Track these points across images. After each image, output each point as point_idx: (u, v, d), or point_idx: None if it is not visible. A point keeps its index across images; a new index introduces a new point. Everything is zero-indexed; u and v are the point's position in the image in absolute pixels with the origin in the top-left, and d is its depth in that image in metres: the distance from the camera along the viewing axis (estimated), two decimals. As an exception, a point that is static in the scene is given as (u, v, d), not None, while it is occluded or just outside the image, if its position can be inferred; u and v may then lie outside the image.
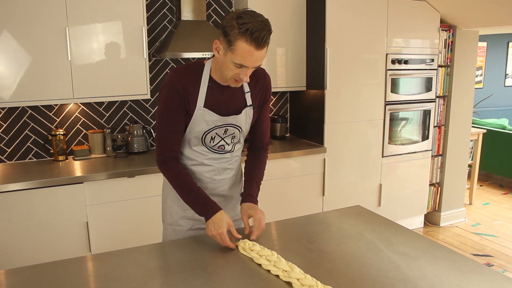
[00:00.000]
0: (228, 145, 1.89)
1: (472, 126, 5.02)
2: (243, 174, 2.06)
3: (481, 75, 7.52)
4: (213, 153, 1.87)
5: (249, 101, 1.86)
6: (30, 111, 3.24)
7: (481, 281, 1.47)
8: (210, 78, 1.78)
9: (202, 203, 1.76)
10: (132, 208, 3.03)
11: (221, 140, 1.85)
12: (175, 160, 1.82)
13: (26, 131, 3.26)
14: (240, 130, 1.88)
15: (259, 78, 1.88)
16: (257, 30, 1.55)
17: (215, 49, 1.67)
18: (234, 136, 1.88)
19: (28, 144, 3.28)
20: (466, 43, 4.28)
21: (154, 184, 3.05)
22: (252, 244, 1.69)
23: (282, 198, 3.56)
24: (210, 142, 1.84)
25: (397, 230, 1.91)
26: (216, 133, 1.82)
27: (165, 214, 2.02)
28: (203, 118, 1.78)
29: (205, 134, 1.81)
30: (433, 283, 1.45)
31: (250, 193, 1.89)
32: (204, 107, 1.77)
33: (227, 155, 1.91)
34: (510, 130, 5.88)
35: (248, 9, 1.61)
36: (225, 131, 1.84)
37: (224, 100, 1.81)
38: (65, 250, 2.86)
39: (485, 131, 5.35)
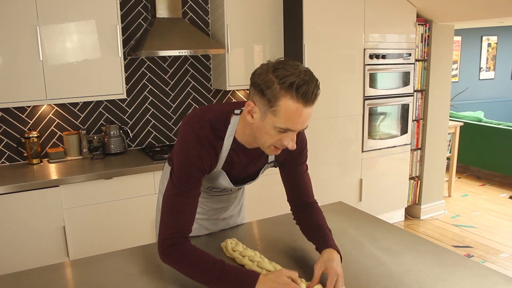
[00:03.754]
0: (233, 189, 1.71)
1: (450, 119, 5.08)
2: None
3: (457, 68, 7.63)
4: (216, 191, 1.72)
5: (271, 157, 1.61)
6: (1, 113, 3.14)
7: (466, 274, 1.47)
8: (234, 139, 1.48)
9: (236, 272, 1.33)
10: (111, 210, 2.96)
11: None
12: (187, 241, 1.41)
13: (-2, 135, 3.16)
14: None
15: None
16: (305, 83, 1.24)
17: (248, 113, 1.34)
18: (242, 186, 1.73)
19: (0, 147, 3.17)
20: (442, 37, 4.32)
21: (132, 185, 2.99)
22: (235, 243, 1.65)
23: (263, 196, 3.53)
24: (213, 190, 1.69)
25: (380, 226, 1.91)
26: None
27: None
28: (216, 179, 1.56)
29: (212, 188, 1.64)
30: (418, 278, 1.44)
31: (328, 241, 1.51)
32: (221, 169, 1.53)
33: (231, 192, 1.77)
34: (486, 122, 5.98)
35: (282, 59, 1.32)
36: None
37: (246, 164, 1.56)
38: (41, 257, 2.78)
39: (462, 124, 5.42)
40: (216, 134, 1.45)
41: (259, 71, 1.30)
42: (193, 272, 1.36)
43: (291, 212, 1.71)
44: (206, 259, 1.35)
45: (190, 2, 3.64)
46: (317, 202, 1.69)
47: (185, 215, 1.41)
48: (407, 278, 1.44)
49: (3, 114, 3.15)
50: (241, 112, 1.46)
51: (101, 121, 3.47)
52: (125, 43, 3.41)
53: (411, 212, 4.65)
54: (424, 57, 4.29)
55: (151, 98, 3.62)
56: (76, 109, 3.37)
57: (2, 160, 3.19)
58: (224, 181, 1.57)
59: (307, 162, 1.67)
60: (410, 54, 4.12)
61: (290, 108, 1.25)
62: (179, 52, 3.23)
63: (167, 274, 1.51)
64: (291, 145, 1.34)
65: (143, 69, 3.55)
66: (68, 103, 3.32)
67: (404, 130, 4.27)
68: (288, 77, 1.24)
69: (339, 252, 1.46)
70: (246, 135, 1.45)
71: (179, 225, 1.40)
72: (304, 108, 1.26)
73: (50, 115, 3.29)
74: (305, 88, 1.23)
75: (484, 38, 7.86)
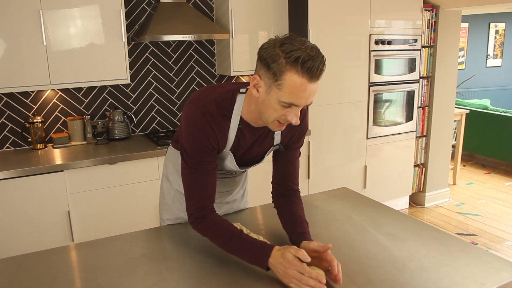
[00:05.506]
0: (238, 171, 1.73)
1: (456, 107, 5.04)
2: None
3: (463, 56, 7.55)
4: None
5: (277, 139, 1.59)
6: (5, 98, 3.14)
7: (469, 260, 1.46)
8: (241, 118, 1.48)
9: (250, 247, 1.39)
10: (114, 195, 2.97)
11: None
12: (212, 212, 1.50)
13: (2, 119, 3.15)
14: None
15: None
16: (310, 58, 1.24)
17: (254, 87, 1.34)
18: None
19: (5, 132, 3.18)
20: (449, 23, 4.27)
21: (136, 170, 2.99)
22: (239, 227, 1.64)
23: (268, 181, 3.52)
24: (218, 173, 1.62)
25: (384, 211, 1.90)
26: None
27: (162, 212, 1.88)
28: (223, 160, 1.56)
29: (217, 169, 1.59)
30: (422, 263, 1.44)
31: (307, 235, 1.50)
32: (230, 150, 1.53)
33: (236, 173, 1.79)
34: (492, 110, 5.93)
35: (289, 34, 1.31)
36: None
37: (252, 143, 1.55)
38: (46, 241, 2.79)
39: (468, 111, 5.38)
40: (222, 113, 1.45)
41: (266, 45, 1.30)
42: (217, 243, 1.46)
43: (271, 194, 1.72)
44: (226, 231, 1.43)
45: (195, -14, 3.61)
46: (300, 192, 1.70)
47: (203, 191, 1.48)
48: (410, 264, 1.43)
49: (7, 99, 3.14)
50: (246, 90, 1.47)
51: (105, 107, 3.46)
52: (128, 28, 3.38)
53: (416, 200, 4.64)
54: (430, 43, 4.24)
55: (155, 83, 3.60)
56: (80, 94, 3.36)
57: (7, 145, 3.20)
58: (231, 163, 1.57)
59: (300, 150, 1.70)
60: (416, 40, 4.07)
61: (294, 83, 1.25)
62: (183, 37, 3.20)
63: (170, 258, 1.51)
64: (295, 120, 1.34)
65: (147, 54, 3.53)
66: (72, 88, 3.31)
67: (409, 117, 4.24)
68: (294, 52, 1.23)
69: None
70: (251, 112, 1.45)
71: (200, 201, 1.47)
72: (308, 83, 1.26)
73: (54, 100, 3.29)
74: (311, 63, 1.23)
75: (492, 25, 7.77)
